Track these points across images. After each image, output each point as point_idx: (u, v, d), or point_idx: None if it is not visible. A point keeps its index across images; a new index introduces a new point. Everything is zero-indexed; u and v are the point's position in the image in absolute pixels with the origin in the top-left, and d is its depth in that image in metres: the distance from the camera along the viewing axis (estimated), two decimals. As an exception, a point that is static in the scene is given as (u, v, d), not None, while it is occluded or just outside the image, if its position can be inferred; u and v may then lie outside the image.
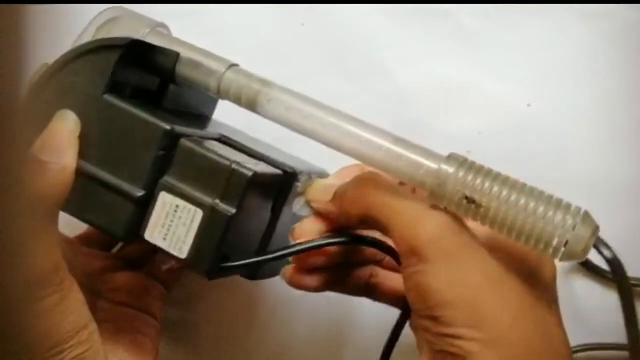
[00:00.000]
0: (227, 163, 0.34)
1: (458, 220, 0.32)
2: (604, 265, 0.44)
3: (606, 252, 0.44)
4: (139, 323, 0.42)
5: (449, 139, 0.49)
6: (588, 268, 0.47)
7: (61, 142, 0.35)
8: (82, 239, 0.45)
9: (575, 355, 0.46)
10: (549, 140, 0.49)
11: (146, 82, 0.38)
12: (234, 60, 0.38)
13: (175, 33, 0.40)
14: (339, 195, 0.35)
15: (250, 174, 0.34)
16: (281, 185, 0.38)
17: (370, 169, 0.35)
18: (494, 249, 0.33)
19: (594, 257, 0.47)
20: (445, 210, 0.32)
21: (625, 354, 0.46)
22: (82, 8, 0.46)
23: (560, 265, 0.34)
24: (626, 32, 0.50)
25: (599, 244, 0.43)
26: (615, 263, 0.43)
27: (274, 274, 0.40)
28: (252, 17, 0.51)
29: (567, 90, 0.49)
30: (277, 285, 0.47)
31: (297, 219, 0.38)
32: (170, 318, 0.47)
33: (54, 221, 0.34)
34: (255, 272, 0.39)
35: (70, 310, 0.34)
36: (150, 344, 0.41)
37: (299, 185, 0.38)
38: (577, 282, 0.47)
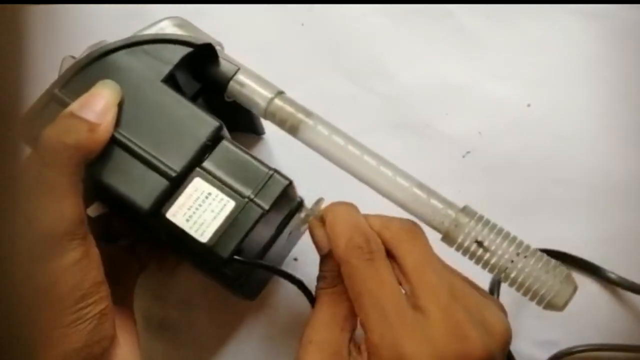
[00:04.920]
0: (266, 169, 0.37)
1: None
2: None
3: None
4: (121, 296, 0.41)
5: (449, 139, 0.49)
6: (586, 269, 0.47)
7: (100, 104, 0.36)
8: None
9: (575, 356, 0.46)
10: (549, 141, 0.49)
11: (188, 85, 0.40)
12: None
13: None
14: (338, 273, 0.36)
15: (287, 182, 0.37)
16: (293, 208, 0.40)
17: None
18: None
19: (591, 259, 0.47)
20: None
21: (624, 354, 0.46)
22: (83, 8, 0.46)
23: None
24: (626, 32, 0.50)
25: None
26: None
27: (250, 295, 0.42)
28: (252, 17, 0.51)
29: (567, 90, 0.49)
30: (280, 286, 0.47)
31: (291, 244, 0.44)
32: (170, 318, 0.47)
33: (80, 176, 0.35)
34: (243, 286, 0.40)
35: (92, 265, 0.34)
36: (132, 319, 0.40)
37: (304, 215, 0.39)
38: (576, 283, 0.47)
